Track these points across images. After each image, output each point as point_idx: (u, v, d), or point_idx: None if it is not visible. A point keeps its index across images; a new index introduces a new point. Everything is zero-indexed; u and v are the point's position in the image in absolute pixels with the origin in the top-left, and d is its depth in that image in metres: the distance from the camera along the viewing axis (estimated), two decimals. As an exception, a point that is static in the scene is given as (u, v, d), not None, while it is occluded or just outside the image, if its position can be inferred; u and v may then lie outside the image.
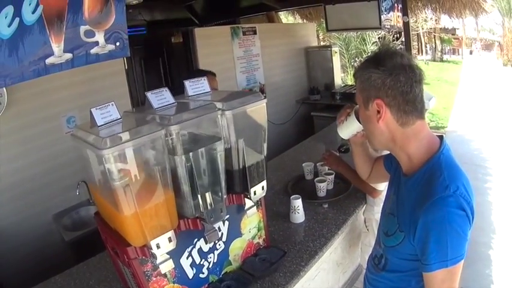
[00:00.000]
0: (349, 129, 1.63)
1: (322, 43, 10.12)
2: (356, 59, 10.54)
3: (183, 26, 5.67)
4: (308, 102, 6.76)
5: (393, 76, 1.23)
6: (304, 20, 8.05)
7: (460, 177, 1.23)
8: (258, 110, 1.68)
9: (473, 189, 1.24)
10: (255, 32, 5.95)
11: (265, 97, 1.72)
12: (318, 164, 3.05)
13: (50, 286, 2.12)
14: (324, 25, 6.00)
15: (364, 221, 2.78)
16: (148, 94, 1.58)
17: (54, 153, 3.57)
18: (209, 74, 3.21)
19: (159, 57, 5.10)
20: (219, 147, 1.53)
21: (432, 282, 1.24)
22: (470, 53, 26.28)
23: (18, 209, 3.39)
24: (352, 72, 9.96)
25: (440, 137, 1.35)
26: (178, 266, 1.70)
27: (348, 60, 10.49)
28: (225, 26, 5.92)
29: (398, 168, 1.45)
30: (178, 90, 1.82)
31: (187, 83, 1.77)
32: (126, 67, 4.34)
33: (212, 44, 5.31)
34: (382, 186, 2.46)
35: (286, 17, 9.82)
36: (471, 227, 1.22)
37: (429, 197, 1.20)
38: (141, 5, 3.14)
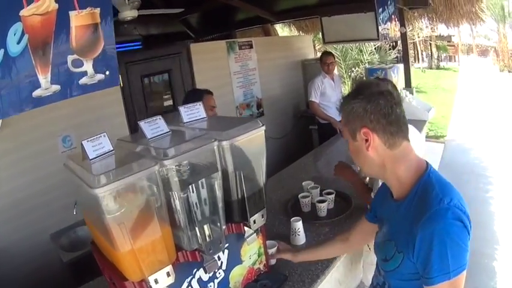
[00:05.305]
0: None
1: (318, 54, 10.09)
2: (353, 69, 10.52)
3: (179, 40, 5.65)
4: (306, 116, 6.71)
5: (372, 102, 1.30)
6: (300, 32, 8.04)
7: (451, 191, 1.26)
8: (257, 138, 1.64)
9: (465, 202, 1.26)
10: (251, 46, 5.92)
11: (263, 112, 1.68)
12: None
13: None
14: (320, 36, 5.96)
15: (366, 240, 2.74)
16: (141, 123, 1.54)
17: (50, 173, 3.53)
18: (206, 94, 3.19)
19: (158, 73, 5.02)
20: (217, 179, 1.49)
21: None
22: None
23: (16, 229, 3.36)
24: (349, 83, 9.94)
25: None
26: (177, 298, 1.65)
27: (346, 71, 10.47)
28: (221, 40, 5.90)
29: (385, 200, 1.49)
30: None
31: (182, 109, 1.73)
32: (122, 85, 4.30)
33: (208, 59, 5.27)
34: None
35: (282, 29, 9.82)
36: (470, 237, 1.22)
37: (425, 212, 1.21)
38: (136, 20, 3.12)
